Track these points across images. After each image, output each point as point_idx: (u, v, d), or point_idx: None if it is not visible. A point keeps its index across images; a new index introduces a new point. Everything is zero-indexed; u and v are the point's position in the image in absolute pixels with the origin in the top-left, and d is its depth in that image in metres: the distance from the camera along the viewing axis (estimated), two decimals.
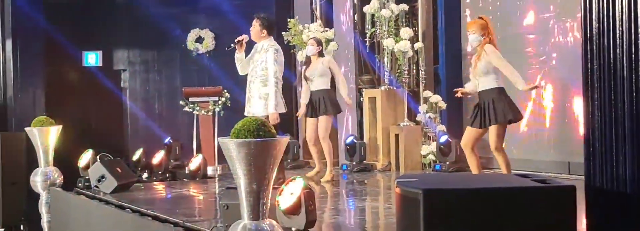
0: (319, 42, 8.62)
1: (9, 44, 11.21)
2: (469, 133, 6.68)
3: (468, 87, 6.90)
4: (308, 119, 8.62)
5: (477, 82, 6.65)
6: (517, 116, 6.62)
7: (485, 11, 9.16)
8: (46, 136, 8.01)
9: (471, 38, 6.62)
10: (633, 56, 5.33)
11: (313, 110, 8.48)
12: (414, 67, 9.80)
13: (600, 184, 4.43)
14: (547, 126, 8.43)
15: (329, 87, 8.49)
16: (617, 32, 5.36)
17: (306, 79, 8.55)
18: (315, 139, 8.48)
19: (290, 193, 4.78)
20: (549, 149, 8.40)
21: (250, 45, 7.63)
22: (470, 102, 9.42)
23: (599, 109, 5.35)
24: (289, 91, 11.60)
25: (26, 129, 8.18)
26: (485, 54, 6.50)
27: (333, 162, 8.60)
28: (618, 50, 5.32)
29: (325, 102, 8.38)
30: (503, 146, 6.60)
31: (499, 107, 6.48)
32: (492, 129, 6.53)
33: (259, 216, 3.89)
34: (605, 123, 5.33)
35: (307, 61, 8.65)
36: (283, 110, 7.51)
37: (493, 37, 6.63)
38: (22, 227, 10.30)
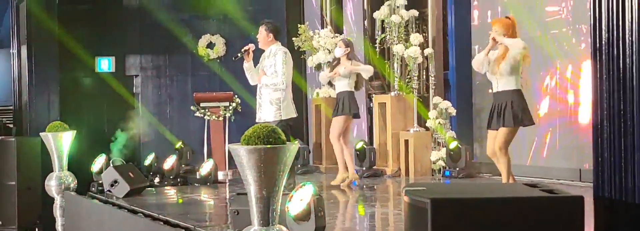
0: (347, 44, 8.48)
1: (24, 50, 11.35)
2: (493, 137, 6.58)
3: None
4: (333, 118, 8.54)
5: (496, 82, 6.56)
6: (531, 121, 6.57)
7: (493, 17, 9.21)
8: (60, 141, 8.10)
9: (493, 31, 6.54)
10: None
11: (335, 109, 8.45)
12: (424, 73, 9.85)
13: (609, 194, 4.44)
14: (559, 133, 8.44)
15: (352, 90, 8.43)
16: (627, 42, 5.39)
17: (331, 81, 8.53)
18: (337, 137, 8.37)
19: (300, 199, 4.82)
20: (561, 155, 8.41)
21: (257, 54, 7.63)
22: (480, 109, 9.50)
23: (608, 120, 5.36)
24: (298, 96, 11.68)
25: (41, 134, 8.28)
26: (510, 53, 6.42)
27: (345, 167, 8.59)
28: (627, 60, 5.34)
29: (343, 103, 8.33)
30: (508, 149, 6.52)
31: (517, 110, 6.43)
32: (503, 131, 6.46)
33: (268, 222, 3.93)
34: (614, 133, 5.34)
35: (336, 63, 8.60)
36: (294, 115, 7.54)
37: (518, 37, 6.56)
38: (37, 230, 10.44)
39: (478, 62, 6.64)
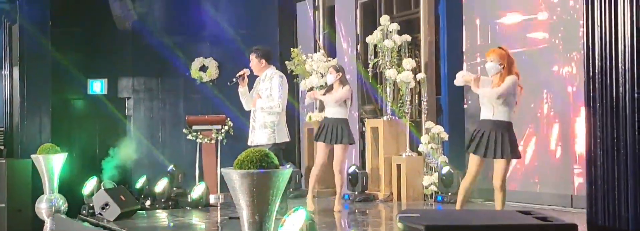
0: (337, 69, 8.35)
1: (16, 71, 11.33)
2: (477, 163, 6.58)
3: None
4: (320, 143, 8.30)
5: (492, 109, 6.54)
6: (519, 154, 6.63)
7: (486, 45, 9.26)
8: (51, 163, 8.08)
9: (488, 66, 6.55)
10: (636, 95, 5.38)
11: (328, 136, 8.16)
12: (416, 98, 9.87)
13: (602, 222, 4.44)
14: (550, 159, 8.45)
15: (346, 117, 8.26)
16: (620, 70, 5.42)
17: (323, 105, 8.48)
18: (324, 165, 8.29)
19: (292, 223, 4.82)
20: (552, 181, 8.41)
21: (252, 79, 7.64)
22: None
23: (601, 148, 5.37)
24: (291, 120, 11.66)
25: (32, 156, 8.26)
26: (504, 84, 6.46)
27: (333, 192, 8.59)
28: (621, 89, 5.37)
29: (342, 131, 8.12)
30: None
31: (512, 142, 6.47)
32: (500, 164, 6.48)
33: None
34: (607, 162, 5.35)
35: (329, 89, 8.43)
36: (287, 139, 7.53)
37: (514, 67, 6.57)
38: None
39: (459, 75, 6.74)
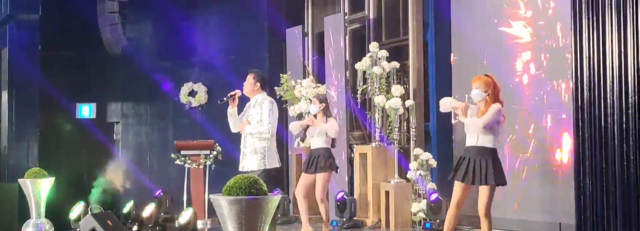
0: (321, 100, 8.50)
1: (5, 95, 11.32)
2: (462, 190, 6.62)
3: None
4: (303, 174, 8.56)
5: (477, 136, 6.58)
6: (504, 181, 6.62)
7: (474, 71, 9.31)
8: (39, 188, 8.04)
9: (474, 93, 6.59)
10: (624, 125, 5.43)
11: (310, 166, 8.39)
12: (405, 125, 9.89)
13: None
14: (538, 186, 8.45)
15: (329, 146, 8.43)
16: (608, 101, 5.47)
17: (305, 135, 8.54)
18: (305, 194, 8.43)
19: None
20: (540, 209, 8.41)
21: (242, 102, 7.65)
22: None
23: (590, 178, 5.40)
24: (281, 146, 11.66)
25: (19, 180, 8.21)
26: (489, 107, 6.50)
27: (321, 219, 8.57)
28: (609, 119, 5.42)
29: (324, 159, 8.29)
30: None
31: (497, 169, 6.48)
32: (485, 191, 6.48)
33: None
34: (596, 192, 5.38)
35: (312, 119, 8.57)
36: (277, 165, 7.51)
37: (499, 95, 6.62)
38: None
39: (445, 102, 6.79)
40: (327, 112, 8.47)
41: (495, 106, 6.50)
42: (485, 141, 6.53)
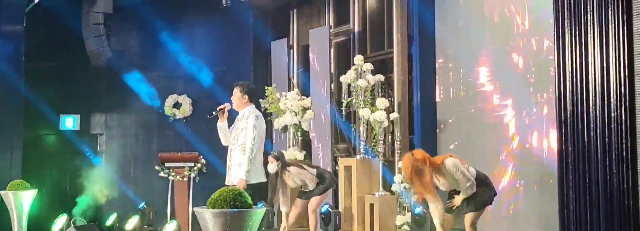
0: (277, 158, 8.83)
1: None
2: (449, 221, 6.69)
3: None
4: (297, 199, 8.95)
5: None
6: (491, 200, 6.65)
7: (457, 84, 9.36)
8: (21, 200, 8.00)
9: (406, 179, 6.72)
10: (606, 139, 5.47)
11: (302, 192, 8.82)
12: (390, 137, 9.90)
13: None
14: (526, 201, 8.47)
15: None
16: (591, 115, 5.52)
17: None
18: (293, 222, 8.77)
19: None
20: (524, 223, 8.42)
21: (232, 115, 7.63)
22: None
23: (573, 191, 5.44)
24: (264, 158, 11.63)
25: (1, 192, 8.16)
26: (446, 171, 6.49)
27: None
28: (591, 133, 5.47)
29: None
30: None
31: (478, 197, 6.54)
32: (469, 216, 6.56)
33: None
34: (579, 205, 5.41)
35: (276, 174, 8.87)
36: (262, 179, 7.48)
37: (433, 163, 6.55)
38: None
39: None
40: (285, 168, 8.84)
41: (450, 167, 6.48)
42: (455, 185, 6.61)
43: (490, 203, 6.67)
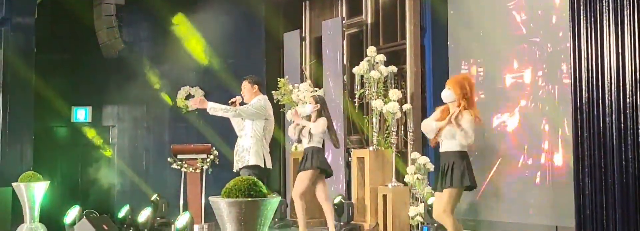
0: (317, 101, 8.51)
1: None
2: (438, 199, 6.53)
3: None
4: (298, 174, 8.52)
5: (440, 141, 6.53)
6: (473, 184, 6.47)
7: (470, 74, 9.29)
8: (33, 192, 8.01)
9: (445, 93, 6.52)
10: (622, 125, 5.43)
11: (299, 165, 8.46)
12: (402, 129, 9.86)
13: None
14: (535, 189, 8.43)
15: (319, 146, 8.44)
16: (606, 102, 5.48)
17: (301, 136, 8.52)
18: (301, 194, 8.36)
19: None
20: (537, 212, 8.39)
21: None
22: None
23: (589, 177, 5.40)
24: (276, 149, 11.63)
25: (13, 184, 8.16)
26: (460, 122, 6.36)
27: (319, 222, 8.54)
28: (607, 119, 5.42)
29: (308, 158, 8.32)
30: (453, 211, 6.42)
31: (457, 172, 6.36)
32: (445, 192, 6.37)
33: None
34: (595, 191, 5.38)
35: (307, 119, 8.59)
36: (260, 164, 7.49)
37: (472, 97, 6.48)
38: None
39: (429, 128, 6.62)
40: (321, 113, 8.43)
41: (468, 119, 6.37)
42: (448, 145, 6.47)
43: (471, 189, 6.53)
